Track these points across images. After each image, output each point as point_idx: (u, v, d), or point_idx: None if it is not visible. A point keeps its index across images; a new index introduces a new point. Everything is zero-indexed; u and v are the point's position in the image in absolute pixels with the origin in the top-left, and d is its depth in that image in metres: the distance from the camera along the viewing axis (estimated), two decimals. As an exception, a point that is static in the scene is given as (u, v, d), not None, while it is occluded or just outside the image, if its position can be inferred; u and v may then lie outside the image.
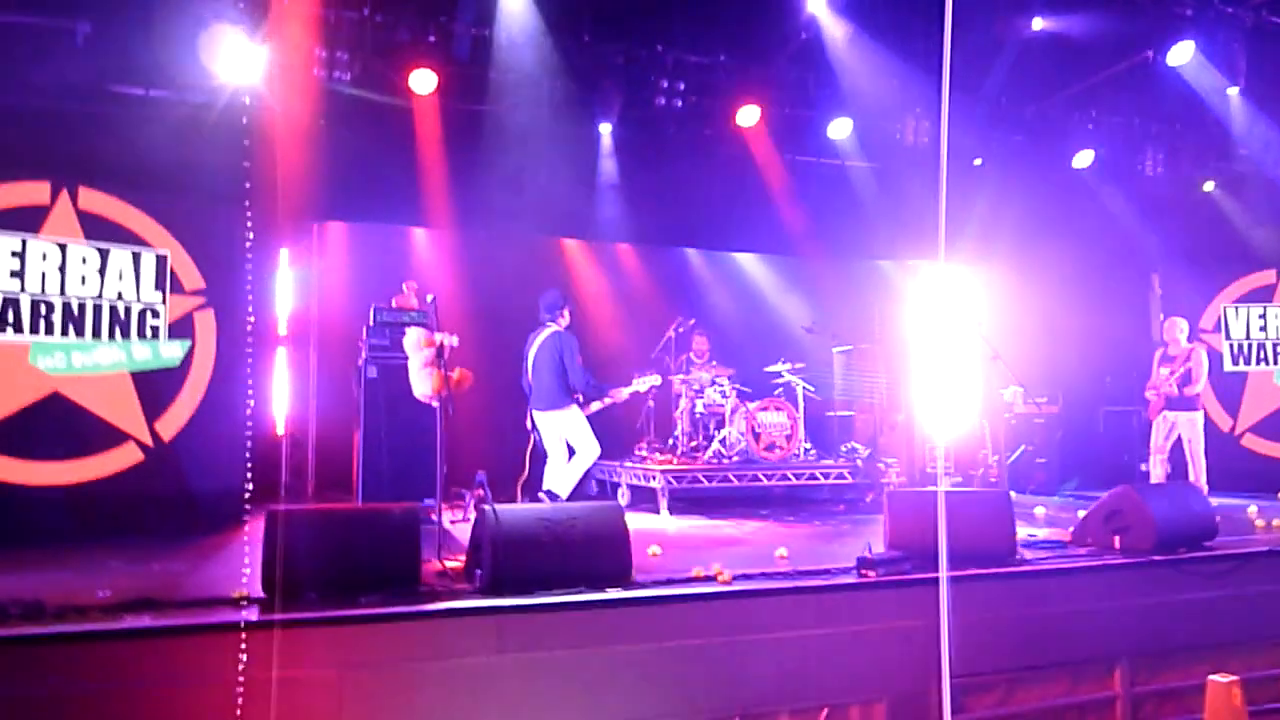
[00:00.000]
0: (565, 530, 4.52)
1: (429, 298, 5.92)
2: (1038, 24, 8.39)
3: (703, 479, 8.19)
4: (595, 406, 7.00)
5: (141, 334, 6.65)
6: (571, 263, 10.39)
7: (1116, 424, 10.16)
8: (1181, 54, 8.48)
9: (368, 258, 9.27)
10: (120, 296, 6.59)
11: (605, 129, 9.20)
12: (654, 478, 8.03)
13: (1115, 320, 10.21)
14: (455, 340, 5.90)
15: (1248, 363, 10.12)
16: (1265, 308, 10.14)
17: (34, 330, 6.27)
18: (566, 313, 6.92)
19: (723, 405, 8.78)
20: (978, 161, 9.89)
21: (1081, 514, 5.93)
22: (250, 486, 6.00)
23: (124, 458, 6.54)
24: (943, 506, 4.79)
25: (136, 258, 6.65)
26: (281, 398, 8.59)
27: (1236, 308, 10.16)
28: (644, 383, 7.51)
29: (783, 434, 8.64)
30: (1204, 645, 5.12)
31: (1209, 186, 10.55)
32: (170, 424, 6.73)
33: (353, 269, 9.20)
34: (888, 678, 4.44)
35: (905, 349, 9.80)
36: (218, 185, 6.43)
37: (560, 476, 6.62)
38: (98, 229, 6.52)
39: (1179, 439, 8.11)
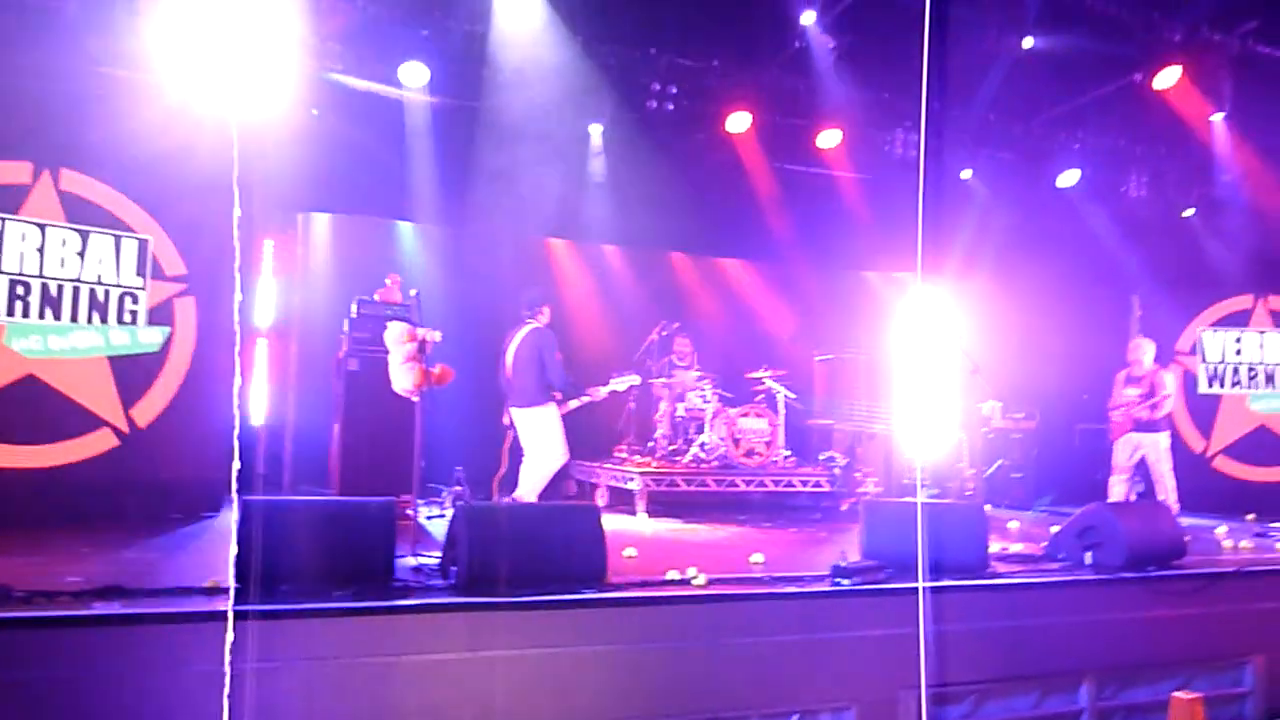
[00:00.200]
0: (541, 530, 4.53)
1: (412, 292, 5.91)
2: (1028, 43, 8.46)
3: (681, 483, 8.20)
4: (573, 405, 6.96)
5: (120, 319, 6.59)
6: (557, 262, 10.37)
7: (1092, 441, 10.20)
8: (1168, 78, 8.59)
9: (352, 250, 9.23)
10: (100, 280, 6.52)
11: (596, 129, 9.22)
12: (632, 480, 8.04)
13: (1095, 339, 10.27)
14: (438, 335, 5.88)
15: (1222, 386, 10.25)
16: (1241, 332, 10.28)
17: (10, 312, 6.20)
18: (546, 310, 6.88)
19: (704, 410, 8.79)
20: (966, 174, 9.97)
21: (1055, 529, 5.98)
22: (226, 476, 5.95)
23: (99, 443, 6.47)
24: (922, 518, 4.83)
25: (117, 241, 6.59)
26: (261, 387, 8.53)
27: (1213, 331, 10.28)
28: (622, 382, 7.49)
29: (762, 440, 8.67)
30: (1170, 662, 5.19)
31: (1189, 213, 10.67)
32: (147, 410, 6.67)
33: (337, 261, 9.17)
34: (858, 685, 4.46)
35: (887, 360, 9.85)
36: (202, 172, 6.36)
37: (526, 480, 6.58)
38: (79, 211, 6.45)
39: (1143, 459, 8.10)
